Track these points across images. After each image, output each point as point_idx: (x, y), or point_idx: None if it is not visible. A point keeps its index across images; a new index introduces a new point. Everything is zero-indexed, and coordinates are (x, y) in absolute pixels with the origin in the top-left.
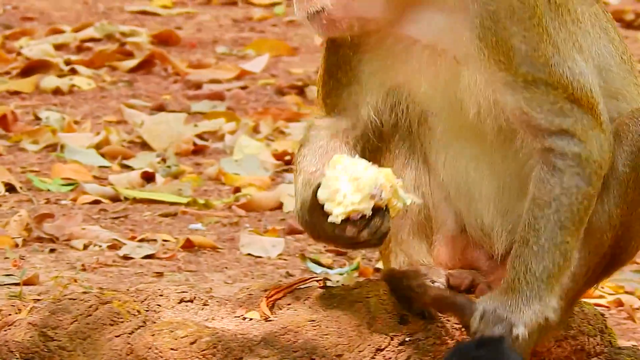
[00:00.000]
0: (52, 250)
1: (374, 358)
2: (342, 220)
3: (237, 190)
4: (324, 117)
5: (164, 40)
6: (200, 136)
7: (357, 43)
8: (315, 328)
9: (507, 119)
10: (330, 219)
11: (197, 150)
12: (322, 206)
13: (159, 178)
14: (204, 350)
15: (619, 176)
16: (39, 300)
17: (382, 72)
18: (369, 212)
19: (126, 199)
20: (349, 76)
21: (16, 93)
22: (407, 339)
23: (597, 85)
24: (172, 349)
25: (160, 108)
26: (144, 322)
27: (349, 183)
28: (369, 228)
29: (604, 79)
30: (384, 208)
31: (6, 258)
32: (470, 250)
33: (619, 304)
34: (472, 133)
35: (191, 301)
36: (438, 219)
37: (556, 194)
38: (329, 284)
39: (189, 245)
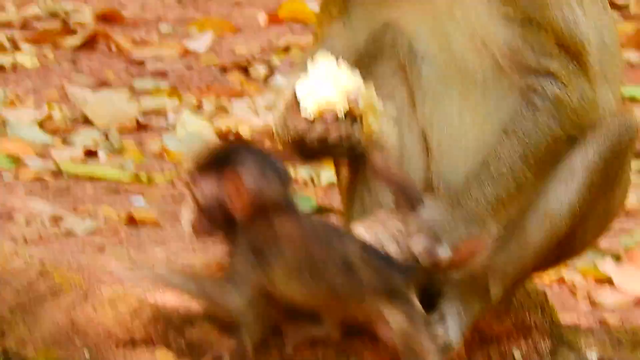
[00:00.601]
0: None
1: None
2: (315, 119)
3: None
4: (314, 49)
5: (108, 18)
6: (143, 113)
7: None
8: None
9: (498, 58)
10: (302, 114)
11: (140, 128)
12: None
13: (101, 155)
14: (145, 323)
15: (587, 163)
16: None
17: (372, 3)
18: (341, 114)
19: (69, 175)
20: (339, 8)
21: None
22: None
23: (595, 39)
24: (113, 321)
25: (104, 85)
26: (86, 295)
27: (329, 82)
28: (338, 129)
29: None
30: (359, 119)
31: None
32: None
33: (561, 280)
34: (460, 76)
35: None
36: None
37: (527, 128)
38: None
39: (131, 221)
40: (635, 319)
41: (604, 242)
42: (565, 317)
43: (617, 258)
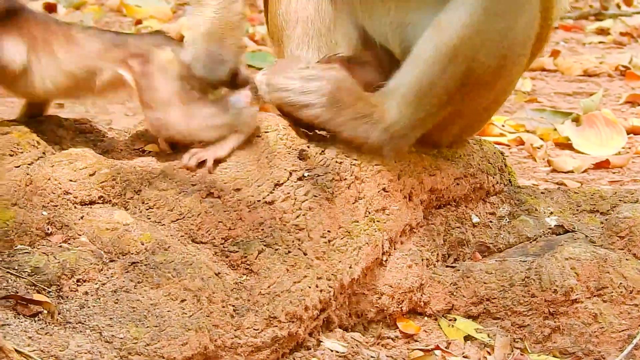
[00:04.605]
0: None
1: (273, 192)
2: None
3: (138, 22)
4: None
5: None
6: None
7: None
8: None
9: None
10: None
11: None
12: None
13: (60, 9)
14: (102, 182)
15: None
16: None
17: None
18: None
19: None
20: None
21: None
22: (305, 174)
23: None
24: (70, 180)
25: None
26: (44, 153)
27: None
28: None
29: None
30: None
31: None
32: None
33: (520, 142)
34: None
35: (91, 132)
36: (338, 32)
37: None
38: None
39: None
40: (594, 183)
41: (563, 104)
42: (524, 181)
43: (576, 121)
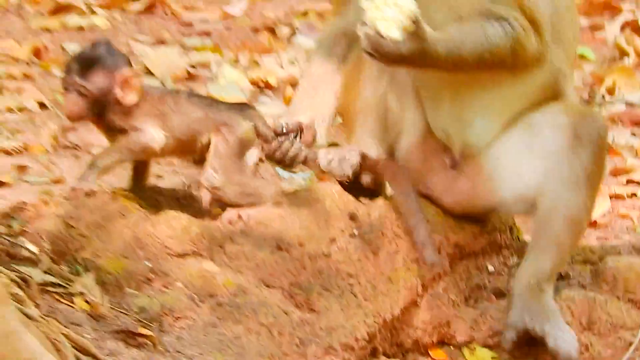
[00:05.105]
0: (75, 157)
1: (329, 246)
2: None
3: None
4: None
5: None
6: (192, 66)
7: None
8: (282, 222)
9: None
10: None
11: (190, 77)
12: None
13: None
14: (193, 238)
15: (585, 171)
16: (64, 197)
17: None
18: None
19: None
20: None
21: (47, 30)
22: (355, 231)
23: (548, 11)
24: (168, 237)
25: (161, 43)
26: (146, 215)
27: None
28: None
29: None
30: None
31: (39, 163)
32: (431, 159)
33: None
34: (449, 13)
35: (184, 199)
36: (403, 120)
37: (479, 29)
38: (294, 186)
39: None
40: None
41: None
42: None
43: None
